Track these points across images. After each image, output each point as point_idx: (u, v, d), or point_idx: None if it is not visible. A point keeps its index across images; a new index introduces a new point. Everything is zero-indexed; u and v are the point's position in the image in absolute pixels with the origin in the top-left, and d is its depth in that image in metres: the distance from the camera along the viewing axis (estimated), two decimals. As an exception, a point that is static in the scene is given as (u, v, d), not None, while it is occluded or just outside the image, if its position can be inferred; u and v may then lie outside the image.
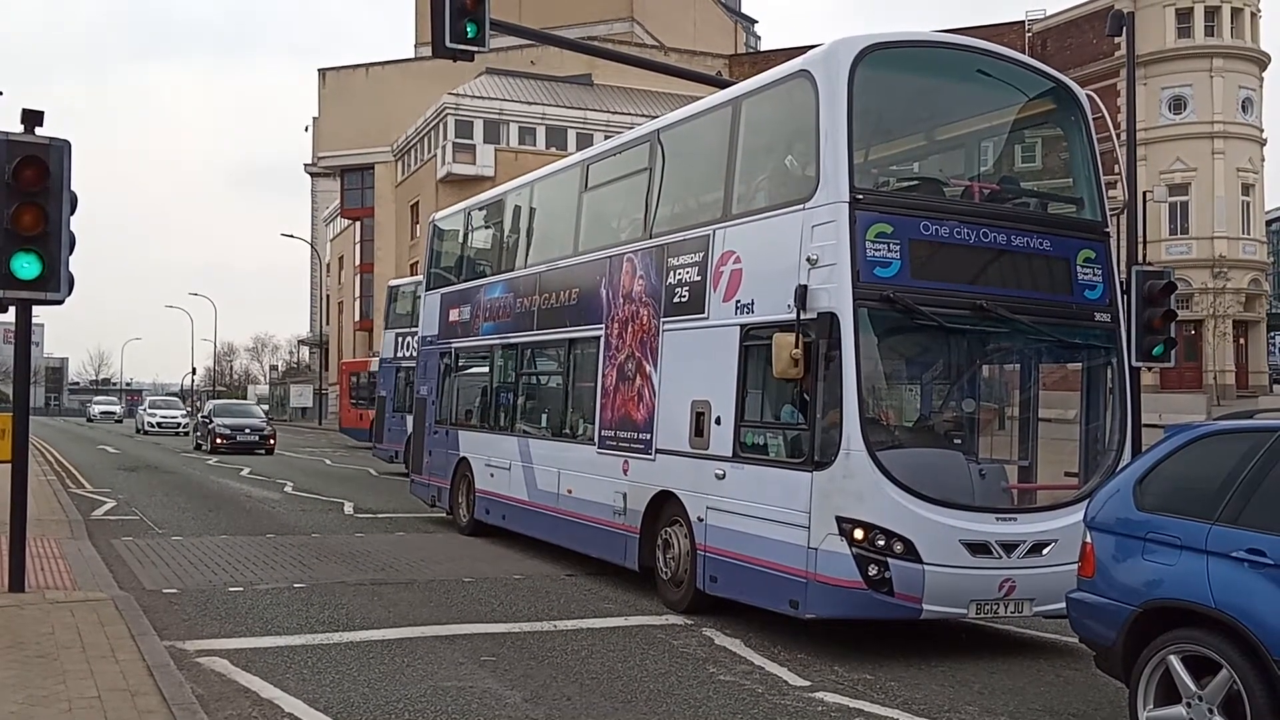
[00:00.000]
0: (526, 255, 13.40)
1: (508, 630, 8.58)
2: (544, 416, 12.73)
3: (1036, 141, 10.01)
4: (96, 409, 76.19)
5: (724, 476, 8.79)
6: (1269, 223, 48.72)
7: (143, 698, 6.08)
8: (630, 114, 46.35)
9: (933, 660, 7.91)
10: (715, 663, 7.76)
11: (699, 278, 9.40)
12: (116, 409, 76.96)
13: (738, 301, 8.86)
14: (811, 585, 7.84)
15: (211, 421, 33.23)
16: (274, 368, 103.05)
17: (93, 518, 15.19)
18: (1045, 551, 7.94)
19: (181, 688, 6.33)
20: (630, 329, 10.40)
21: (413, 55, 64.13)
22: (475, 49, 15.29)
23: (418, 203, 51.86)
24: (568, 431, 11.77)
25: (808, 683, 7.26)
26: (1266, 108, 43.55)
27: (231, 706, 6.36)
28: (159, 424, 46.75)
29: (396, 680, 7.01)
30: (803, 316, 7.87)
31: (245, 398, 71.32)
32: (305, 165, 71.92)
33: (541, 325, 12.46)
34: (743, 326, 8.74)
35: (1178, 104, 41.86)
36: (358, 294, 63.45)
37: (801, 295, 7.91)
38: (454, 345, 15.02)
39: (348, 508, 17.55)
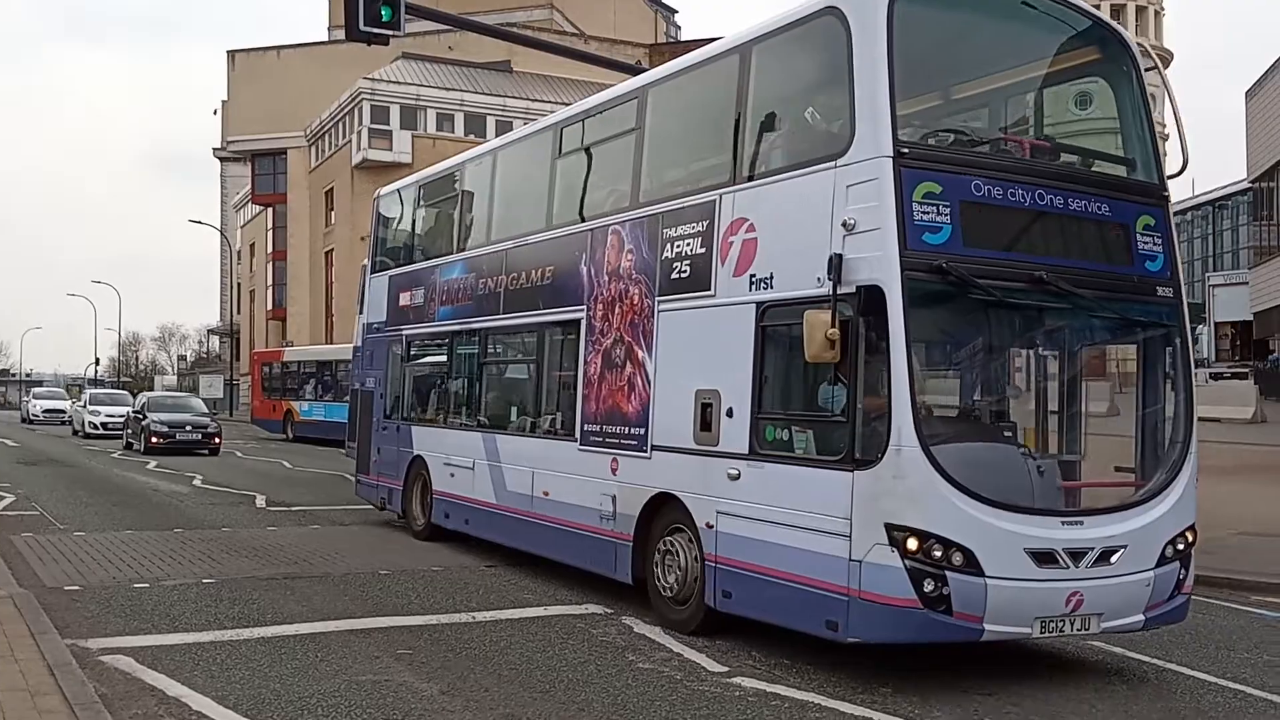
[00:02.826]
0: (489, 231, 12.05)
1: (425, 622, 8.47)
2: (514, 410, 11.54)
3: (1084, 92, 8.71)
4: (38, 406, 51.89)
5: (738, 477, 7.68)
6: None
7: (43, 698, 5.87)
8: (550, 101, 46.04)
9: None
10: (634, 650, 7.76)
11: (703, 250, 8.28)
12: (65, 405, 49.86)
13: (752, 276, 7.75)
14: (855, 604, 6.73)
15: (145, 417, 28.85)
16: (182, 358, 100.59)
17: (-11, 514, 14.61)
18: (1114, 559, 6.98)
19: (84, 687, 6.13)
20: (618, 310, 9.25)
21: (326, 38, 62.89)
22: (390, 33, 15.05)
23: (332, 189, 50.96)
24: (543, 426, 10.60)
25: (725, 668, 7.30)
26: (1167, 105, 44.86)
27: (136, 705, 6.17)
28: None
29: (309, 675, 6.87)
30: (839, 291, 6.80)
31: (154, 388, 69.26)
32: (214, 150, 70.15)
33: (509, 308, 11.23)
34: (759, 304, 7.63)
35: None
36: (270, 282, 62.12)
37: (837, 266, 6.81)
38: (405, 332, 13.64)
39: (259, 501, 17.19)
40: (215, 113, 68.19)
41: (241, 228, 72.98)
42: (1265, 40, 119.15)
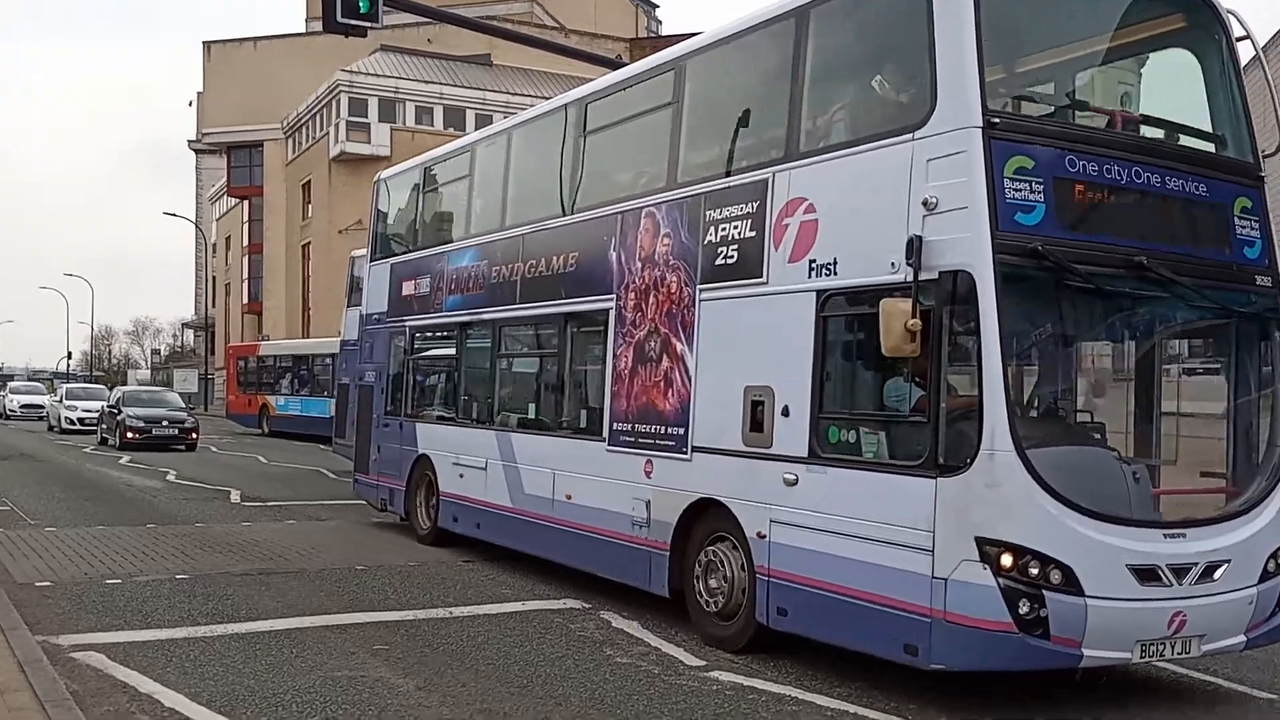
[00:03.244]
0: (504, 215, 11.15)
1: (401, 618, 8.42)
2: (532, 407, 10.74)
3: (1171, 63, 7.92)
4: (15, 401, 48.61)
5: (796, 482, 7.02)
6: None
7: (13, 694, 5.80)
8: (530, 95, 45.91)
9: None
10: (612, 645, 7.74)
11: (752, 233, 7.57)
12: (44, 400, 46.27)
13: (812, 261, 7.06)
14: (939, 626, 6.07)
15: (120, 412, 28.19)
16: (156, 352, 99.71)
17: (-42, 509, 14.44)
18: (1217, 575, 6.36)
19: (55, 683, 6.06)
20: (652, 299, 8.53)
21: (304, 30, 62.46)
22: (368, 25, 14.97)
23: (309, 181, 50.64)
24: (566, 424, 9.84)
25: (703, 662, 7.31)
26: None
27: (109, 702, 6.10)
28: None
29: (284, 671, 6.81)
30: (921, 277, 6.15)
31: (127, 382, 68.71)
32: (190, 142, 69.58)
33: (527, 298, 10.40)
34: (820, 292, 6.95)
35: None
36: (246, 275, 61.71)
37: (918, 250, 6.15)
38: (408, 323, 12.76)
39: (234, 496, 17.06)
40: (191, 104, 67.69)
41: (217, 220, 72.49)
42: None
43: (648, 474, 8.51)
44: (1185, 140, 7.39)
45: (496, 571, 10.53)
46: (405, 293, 12.90)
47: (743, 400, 7.50)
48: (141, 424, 27.54)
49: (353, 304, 22.09)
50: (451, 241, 12.12)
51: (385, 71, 47.51)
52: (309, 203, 51.07)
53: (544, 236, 10.19)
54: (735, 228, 7.79)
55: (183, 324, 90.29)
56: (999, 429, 5.92)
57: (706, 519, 7.94)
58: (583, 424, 9.59)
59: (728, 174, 8.08)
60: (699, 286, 8.09)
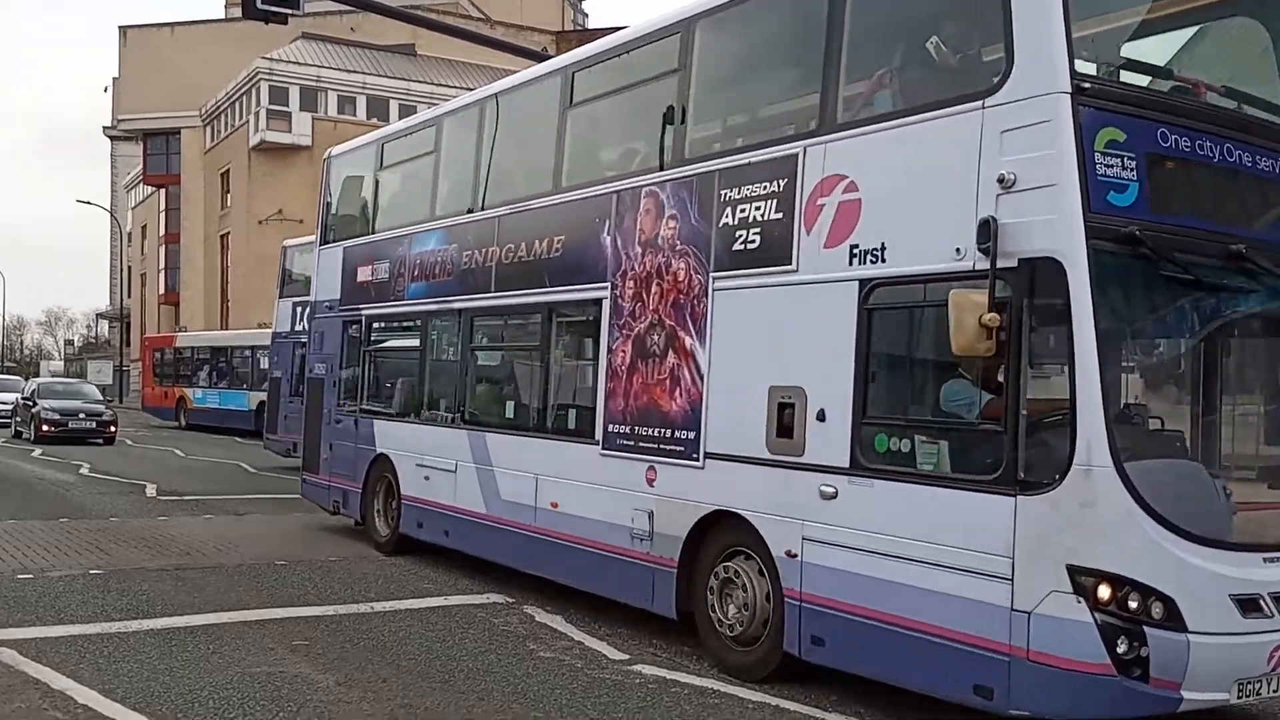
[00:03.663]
0: (477, 195, 10.17)
1: (322, 613, 8.34)
2: (509, 404, 9.79)
3: (1249, 29, 7.05)
4: None
5: (835, 495, 6.25)
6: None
7: (-83, 695, 5.64)
8: (455, 86, 45.46)
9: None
10: (535, 639, 7.77)
11: (778, 215, 6.79)
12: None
13: (853, 247, 6.27)
14: (1019, 667, 5.33)
15: (35, 404, 27.51)
16: (69, 343, 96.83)
17: None
18: None
19: (-38, 682, 5.91)
20: (655, 288, 7.74)
21: (223, 16, 61.09)
22: (289, 12, 14.77)
23: (228, 170, 49.58)
24: (550, 425, 8.99)
25: (627, 656, 7.36)
26: None
27: (20, 699, 5.96)
28: None
29: (200, 668, 6.71)
30: (998, 265, 5.40)
31: (40, 374, 66.54)
32: (105, 128, 67.65)
33: (504, 286, 9.55)
34: (864, 281, 6.17)
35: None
36: (162, 265, 60.17)
37: (994, 233, 5.40)
38: (365, 312, 11.86)
39: (150, 490, 16.71)
40: (106, 90, 65.85)
41: (133, 209, 70.60)
42: None
43: (650, 482, 7.70)
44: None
45: (419, 566, 10.48)
46: (361, 279, 11.98)
47: (767, 402, 6.70)
48: (58, 417, 26.91)
49: (285, 295, 21.56)
50: (414, 224, 11.10)
51: (307, 60, 46.70)
52: (228, 192, 50.02)
53: (524, 219, 9.33)
54: (757, 209, 6.96)
55: (97, 315, 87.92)
56: (1095, 441, 5.18)
57: (721, 533, 7.14)
58: (571, 425, 8.79)
59: (747, 149, 7.29)
60: (712, 274, 7.27)
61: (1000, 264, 5.42)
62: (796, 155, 6.75)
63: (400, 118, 44.67)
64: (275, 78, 45.46)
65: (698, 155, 7.66)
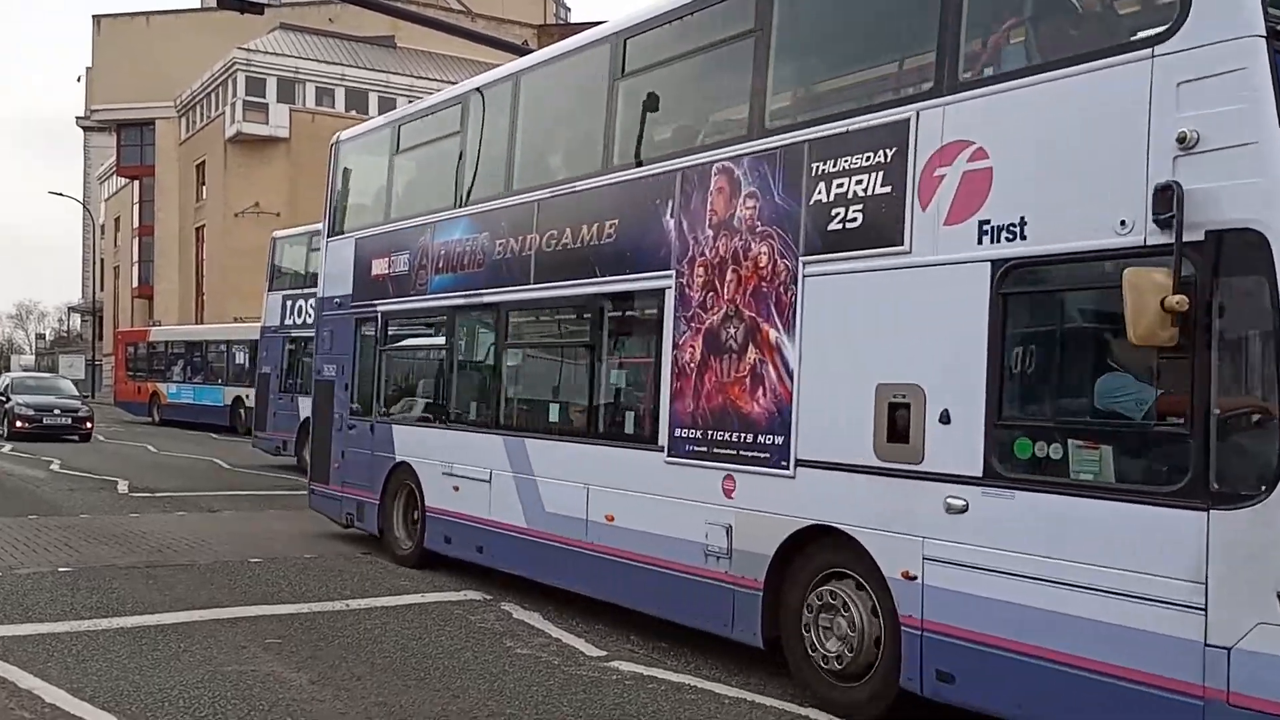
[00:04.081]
0: (510, 178, 9.35)
1: (296, 611, 8.24)
2: (554, 407, 8.89)
3: None
4: None
5: (966, 509, 5.48)
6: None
7: (-122, 695, 5.53)
8: (436, 79, 45.27)
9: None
10: (512, 636, 7.70)
11: (886, 189, 6.01)
12: None
13: (983, 223, 5.53)
14: (1219, 712, 4.59)
15: (9, 399, 26.75)
16: (41, 337, 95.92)
17: None
18: None
19: (-74, 682, 5.80)
20: (731, 276, 6.94)
21: (199, 5, 60.56)
22: (265, 2, 14.62)
23: (203, 162, 49.19)
24: (603, 429, 8.17)
25: (604, 652, 7.30)
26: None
27: (-16, 700, 5.86)
28: None
29: (171, 667, 6.61)
30: (1184, 239, 4.67)
31: (10, 368, 65.82)
32: (78, 119, 66.96)
33: (545, 277, 8.69)
34: (999, 262, 5.41)
35: None
36: (136, 258, 59.66)
37: (1178, 201, 4.69)
38: (381, 308, 10.91)
39: (121, 486, 16.52)
40: (79, 80, 65.11)
41: (106, 201, 69.99)
42: None
43: (728, 492, 6.88)
44: None
45: (395, 564, 10.38)
46: (376, 272, 11.02)
47: (874, 402, 5.94)
48: (32, 413, 26.27)
49: (274, 288, 21.24)
50: (438, 211, 10.21)
51: (284, 51, 46.37)
52: (203, 184, 49.63)
53: (567, 203, 8.49)
54: (858, 183, 6.19)
55: (69, 308, 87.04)
56: None
57: (818, 551, 6.36)
58: (628, 429, 7.95)
59: (843, 115, 6.48)
60: (802, 259, 6.48)
61: (1189, 238, 4.66)
62: (908, 121, 5.94)
63: (380, 111, 44.53)
64: (252, 69, 45.13)
65: (781, 125, 6.88)
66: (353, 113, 43.80)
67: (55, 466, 19.36)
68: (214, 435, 28.90)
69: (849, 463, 6.10)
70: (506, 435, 9.04)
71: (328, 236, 12.20)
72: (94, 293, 67.42)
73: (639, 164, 7.95)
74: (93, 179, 74.46)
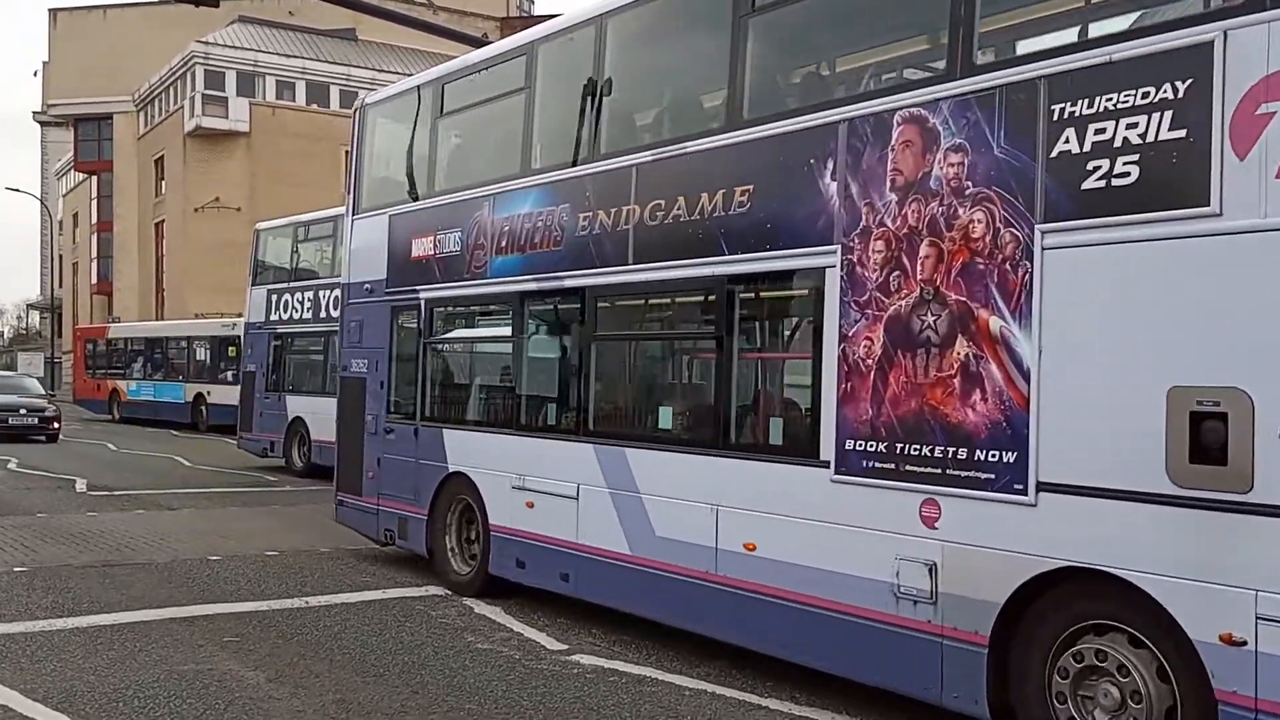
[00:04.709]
0: (597, 140, 7.89)
1: (254, 609, 8.18)
2: (665, 410, 7.51)
3: None
4: None
5: None
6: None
7: None
8: (397, 72, 44.90)
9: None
10: (473, 631, 7.68)
11: (1177, 134, 4.70)
12: None
13: None
14: None
15: None
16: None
17: None
18: None
19: (-127, 685, 5.70)
20: (927, 250, 5.63)
21: (156, -1, 59.76)
22: (221, -6, 14.42)
23: (162, 157, 48.55)
24: (737, 438, 6.77)
25: (565, 646, 7.31)
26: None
27: (-66, 703, 5.78)
28: None
29: (126, 666, 6.55)
30: None
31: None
32: (34, 113, 65.89)
33: (648, 255, 7.27)
34: None
35: None
36: (95, 254, 58.83)
37: None
38: (424, 295, 9.47)
39: (80, 485, 16.29)
40: (35, 74, 64.14)
41: (64, 196, 68.94)
42: None
43: (929, 521, 5.59)
44: None
45: (358, 560, 10.33)
46: (417, 254, 9.58)
47: (1167, 411, 4.70)
48: None
49: (258, 282, 20.50)
50: (498, 181, 8.78)
51: (244, 44, 45.84)
52: (162, 179, 48.99)
53: (678, 167, 7.12)
54: (1131, 128, 4.88)
55: (27, 305, 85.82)
56: None
57: (1073, 599, 5.13)
58: (775, 439, 6.67)
59: (1100, 42, 5.26)
60: (1040, 227, 5.16)
61: None
62: (1210, 44, 4.63)
63: (342, 104, 44.18)
64: (211, 62, 44.57)
65: (1002, 59, 5.72)
66: (314, 106, 43.46)
67: (12, 465, 19.07)
68: (174, 432, 28.59)
69: (1126, 489, 4.81)
70: (599, 444, 7.63)
71: (353, 215, 10.70)
72: (52, 289, 66.40)
73: (780, 116, 6.56)
74: (50, 174, 73.36)
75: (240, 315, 30.62)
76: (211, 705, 5.86)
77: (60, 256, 67.37)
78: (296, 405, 18.74)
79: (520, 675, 6.60)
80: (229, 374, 28.98)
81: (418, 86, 10.01)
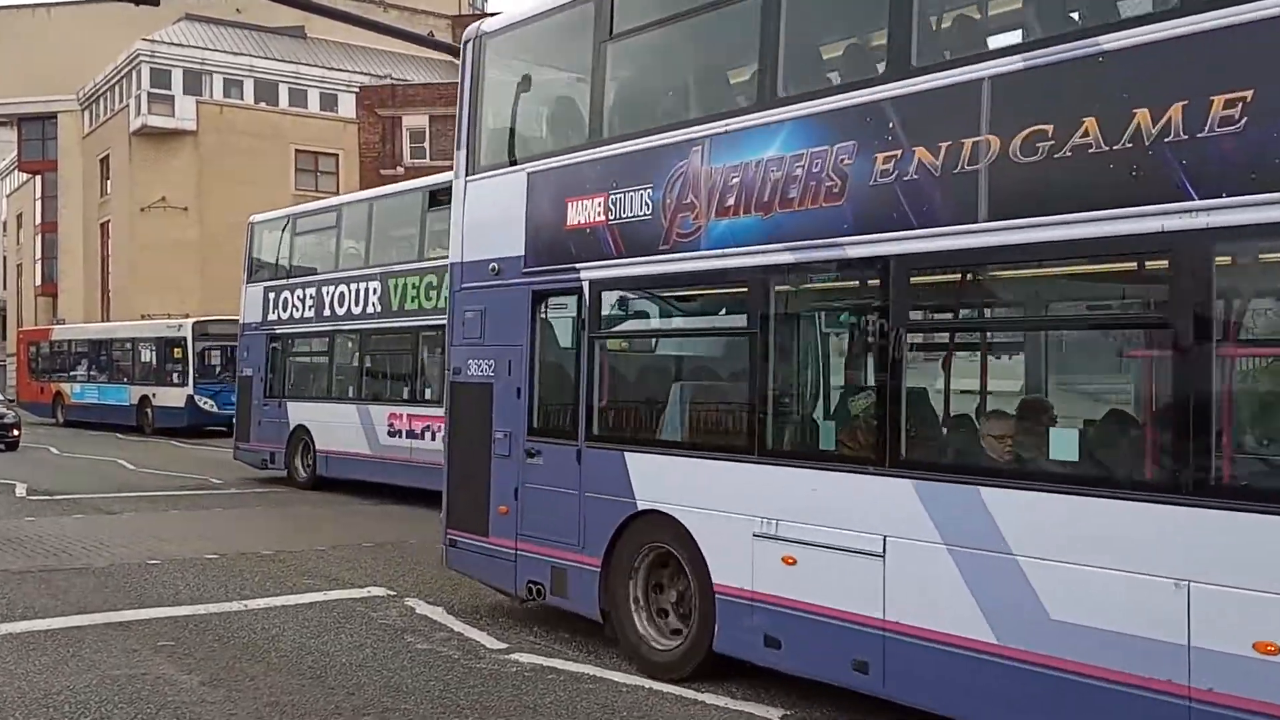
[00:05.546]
0: (909, 48, 5.60)
1: (191, 613, 8.12)
2: (1066, 437, 5.15)
3: None
4: None
5: None
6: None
7: None
8: (348, 70, 44.65)
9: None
10: (413, 632, 7.68)
11: None
12: None
13: None
14: None
15: None
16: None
17: None
18: None
19: None
20: None
21: (100, -5, 58.79)
22: (162, -8, 14.25)
23: (108, 156, 47.75)
24: (1237, 480, 4.47)
25: (505, 645, 7.32)
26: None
27: None
28: None
29: (58, 672, 6.48)
30: None
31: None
32: (-26, 112, 64.57)
33: (1018, 208, 5.04)
34: None
35: None
36: (39, 255, 57.76)
37: None
38: (589, 275, 7.21)
39: (19, 489, 16.04)
40: (-26, 71, 62.68)
41: (7, 197, 67.60)
42: None
43: None
44: None
45: (301, 561, 10.27)
46: (574, 221, 7.31)
47: None
48: None
49: (254, 280, 18.77)
50: (716, 117, 6.60)
51: (190, 41, 45.21)
52: (108, 179, 48.19)
53: (1082, 72, 4.86)
54: None
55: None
56: None
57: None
58: None
59: None
60: None
61: None
62: None
63: (291, 102, 43.77)
64: (157, 60, 43.91)
65: None
66: (262, 104, 42.97)
67: (-51, 471, 18.72)
68: (119, 435, 28.18)
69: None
70: (923, 479, 5.38)
71: (466, 176, 8.30)
72: (-5, 292, 65.16)
73: None
74: (-8, 174, 71.87)
75: (187, 315, 30.44)
76: (143, 709, 5.82)
77: (4, 258, 66.09)
78: (299, 412, 17.32)
79: (459, 675, 6.61)
80: (173, 375, 28.69)
81: (570, 2, 7.66)
